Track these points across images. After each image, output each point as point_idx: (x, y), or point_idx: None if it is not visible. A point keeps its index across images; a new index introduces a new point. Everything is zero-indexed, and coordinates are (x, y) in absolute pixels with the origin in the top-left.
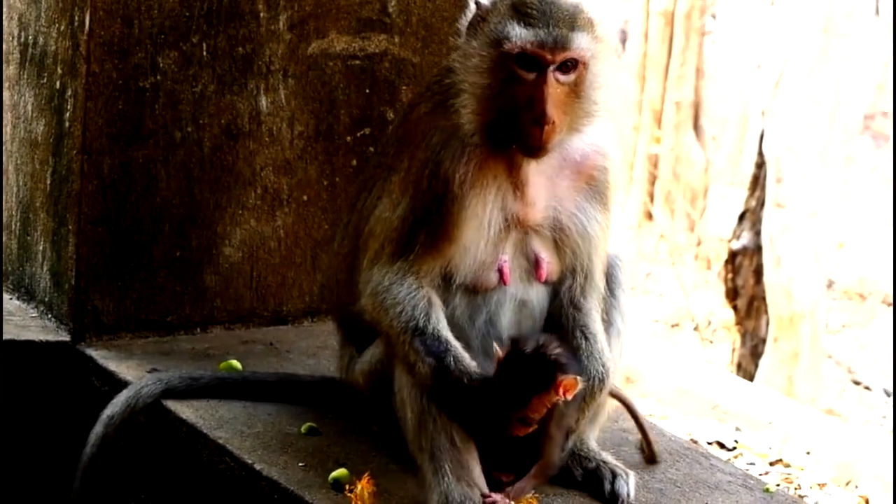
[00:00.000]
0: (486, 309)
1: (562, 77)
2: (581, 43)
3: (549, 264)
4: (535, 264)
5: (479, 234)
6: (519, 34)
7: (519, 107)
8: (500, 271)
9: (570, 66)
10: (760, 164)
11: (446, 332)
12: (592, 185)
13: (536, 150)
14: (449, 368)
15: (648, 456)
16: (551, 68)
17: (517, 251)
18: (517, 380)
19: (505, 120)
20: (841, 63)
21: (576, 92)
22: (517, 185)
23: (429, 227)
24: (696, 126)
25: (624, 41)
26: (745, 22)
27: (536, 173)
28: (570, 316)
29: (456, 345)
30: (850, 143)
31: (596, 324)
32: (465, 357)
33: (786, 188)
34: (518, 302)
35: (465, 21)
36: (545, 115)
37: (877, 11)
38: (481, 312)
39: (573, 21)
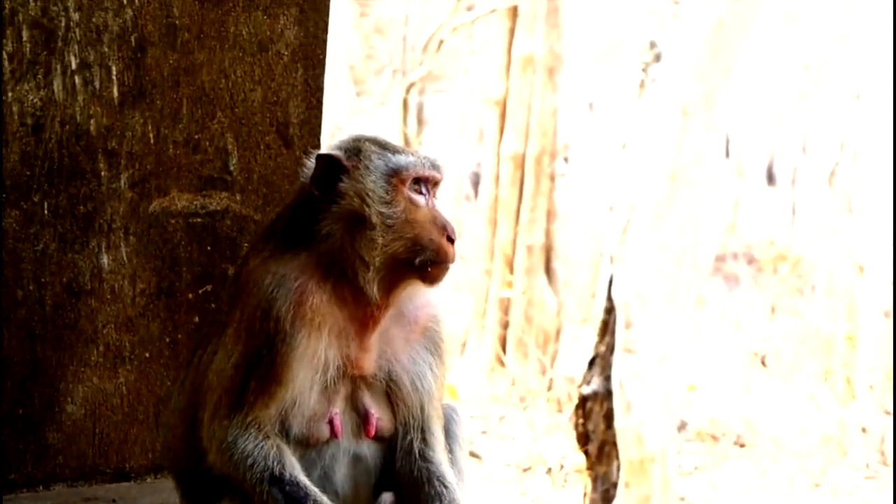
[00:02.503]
0: (320, 463)
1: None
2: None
3: (380, 420)
4: (365, 419)
5: (311, 380)
6: (406, 162)
7: (425, 230)
8: (332, 424)
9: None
10: (609, 310)
11: (304, 478)
12: (427, 336)
13: (448, 268)
14: None
15: None
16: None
17: (348, 405)
18: None
19: (410, 247)
20: (688, 208)
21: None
22: (353, 331)
23: (260, 371)
24: (548, 269)
25: (476, 184)
26: (598, 165)
27: (373, 323)
28: (422, 468)
29: (316, 490)
30: (702, 286)
31: (450, 474)
32: (326, 500)
33: (635, 333)
34: (352, 456)
35: (309, 174)
36: (453, 228)
37: (726, 154)
38: (316, 467)
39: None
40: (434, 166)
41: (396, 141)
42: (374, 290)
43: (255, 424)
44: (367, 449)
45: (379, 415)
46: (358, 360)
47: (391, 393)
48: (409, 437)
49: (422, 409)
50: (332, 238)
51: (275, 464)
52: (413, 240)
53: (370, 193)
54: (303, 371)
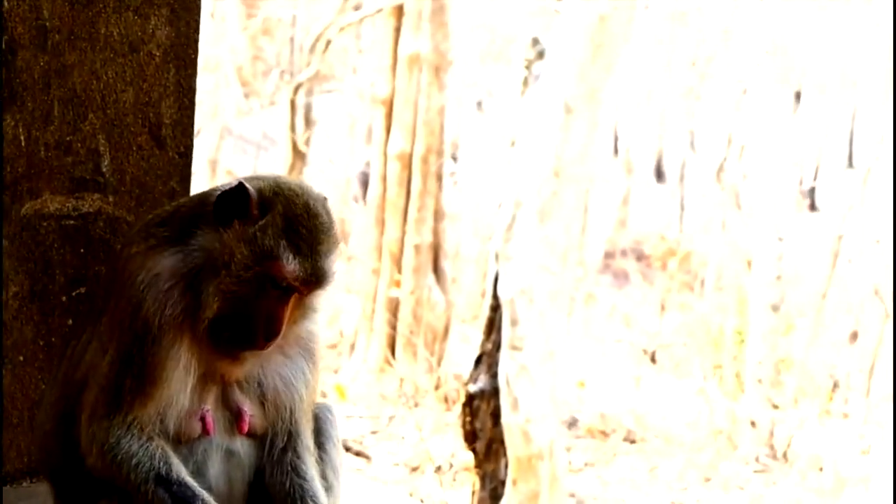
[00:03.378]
0: (192, 459)
1: (302, 297)
2: (332, 271)
3: (253, 417)
4: (237, 416)
5: (183, 381)
6: (290, 265)
7: (256, 314)
8: (203, 420)
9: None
10: (496, 307)
11: (190, 478)
12: (300, 344)
13: (255, 351)
14: None
15: None
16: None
17: (219, 402)
18: None
19: (237, 320)
20: (573, 205)
21: (308, 302)
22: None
23: (135, 370)
24: (437, 269)
25: (365, 184)
26: (485, 163)
27: None
28: (295, 484)
29: (202, 491)
30: (591, 283)
31: (322, 494)
32: (213, 500)
33: (521, 330)
34: (225, 452)
35: (221, 190)
36: (278, 333)
37: (615, 150)
38: (188, 462)
39: (331, 247)
40: (307, 282)
41: (285, 146)
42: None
43: (137, 425)
44: (241, 445)
45: (252, 412)
46: (226, 370)
47: (262, 396)
48: (278, 444)
49: (292, 413)
50: (195, 260)
51: (161, 464)
52: (238, 318)
53: (240, 256)
54: (174, 371)
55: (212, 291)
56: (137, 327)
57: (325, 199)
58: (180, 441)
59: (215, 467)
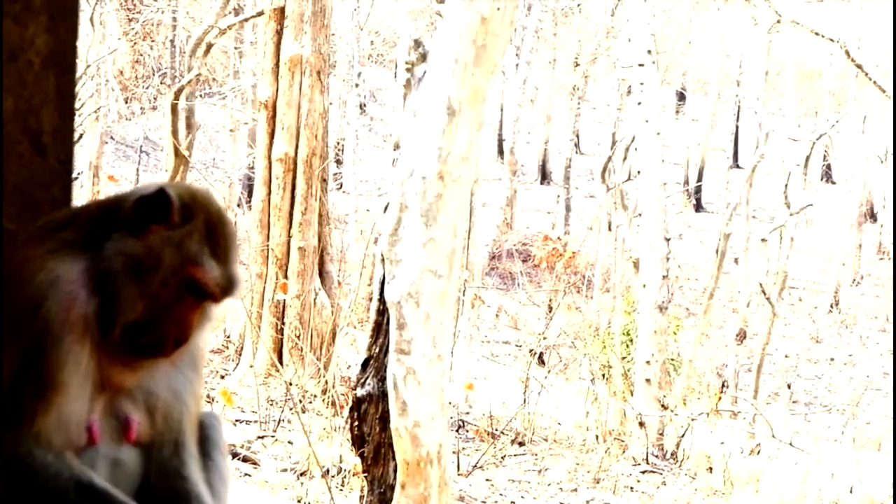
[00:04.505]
0: None
1: (210, 304)
2: (239, 279)
3: (140, 425)
4: (125, 425)
5: (81, 387)
6: (212, 271)
7: (170, 321)
8: (90, 430)
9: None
10: (382, 311)
11: (111, 486)
12: (188, 352)
13: (159, 358)
14: None
15: None
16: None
17: (107, 410)
18: None
19: (151, 326)
20: (458, 207)
21: (210, 312)
22: (113, 348)
23: (36, 377)
24: (322, 272)
25: (249, 188)
26: (370, 166)
27: None
28: (180, 489)
29: (127, 497)
30: (477, 285)
31: (206, 494)
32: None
33: (408, 333)
34: (111, 461)
35: (139, 193)
36: (188, 339)
37: (500, 152)
38: None
39: (237, 257)
40: (225, 290)
41: (167, 151)
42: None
43: (45, 434)
44: (128, 454)
45: (140, 420)
46: (119, 378)
47: (151, 405)
48: (164, 452)
49: (180, 422)
50: (111, 263)
51: (79, 472)
52: (152, 324)
53: (168, 260)
54: (74, 377)
55: (133, 296)
56: (37, 330)
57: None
58: (66, 450)
59: (102, 477)
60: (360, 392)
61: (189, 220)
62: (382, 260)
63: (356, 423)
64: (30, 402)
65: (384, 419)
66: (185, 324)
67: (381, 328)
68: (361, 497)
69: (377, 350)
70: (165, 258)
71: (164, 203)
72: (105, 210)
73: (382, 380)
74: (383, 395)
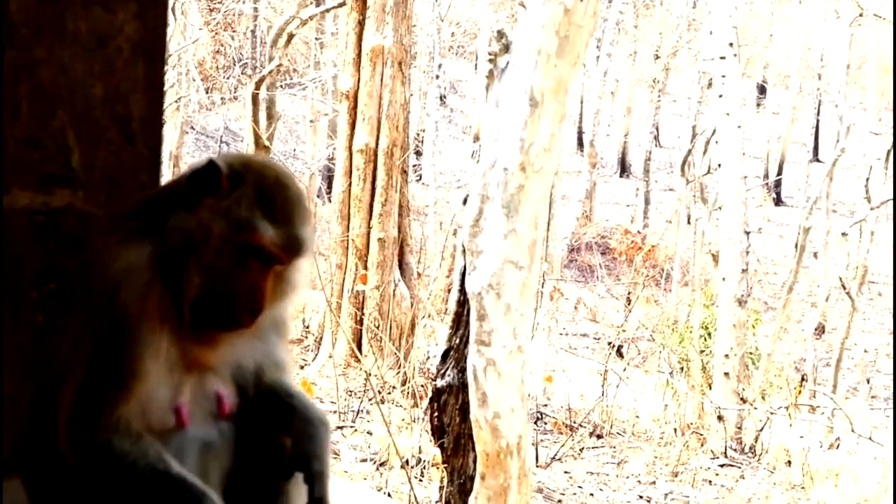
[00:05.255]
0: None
1: (281, 268)
2: (308, 240)
3: (231, 400)
4: (217, 402)
5: (162, 372)
6: (267, 232)
7: (237, 290)
8: (178, 412)
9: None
10: (463, 302)
11: (189, 474)
12: (273, 324)
13: (236, 330)
14: None
15: None
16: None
17: (195, 392)
18: None
19: (217, 298)
20: (539, 199)
21: (287, 276)
22: (191, 328)
23: (115, 366)
24: (402, 263)
25: (329, 179)
26: (451, 157)
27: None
28: (284, 403)
29: (205, 486)
30: (557, 276)
31: (314, 409)
32: (213, 493)
33: (489, 325)
34: (201, 444)
35: (193, 170)
36: (260, 306)
37: (579, 144)
38: None
39: (304, 217)
40: (287, 249)
41: (248, 142)
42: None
43: (124, 422)
44: (219, 434)
45: (230, 395)
46: (200, 354)
47: (237, 377)
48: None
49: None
50: (172, 243)
51: (157, 460)
52: (219, 296)
53: (213, 232)
54: (151, 364)
55: (191, 271)
56: (114, 320)
57: (293, 175)
58: (154, 436)
59: (191, 459)
60: (440, 383)
61: (238, 186)
62: (463, 251)
63: (436, 414)
64: (109, 390)
65: (464, 410)
66: (256, 291)
67: (461, 319)
68: (441, 488)
69: (457, 341)
70: (214, 227)
71: (214, 174)
72: (168, 192)
73: (462, 371)
74: (463, 386)
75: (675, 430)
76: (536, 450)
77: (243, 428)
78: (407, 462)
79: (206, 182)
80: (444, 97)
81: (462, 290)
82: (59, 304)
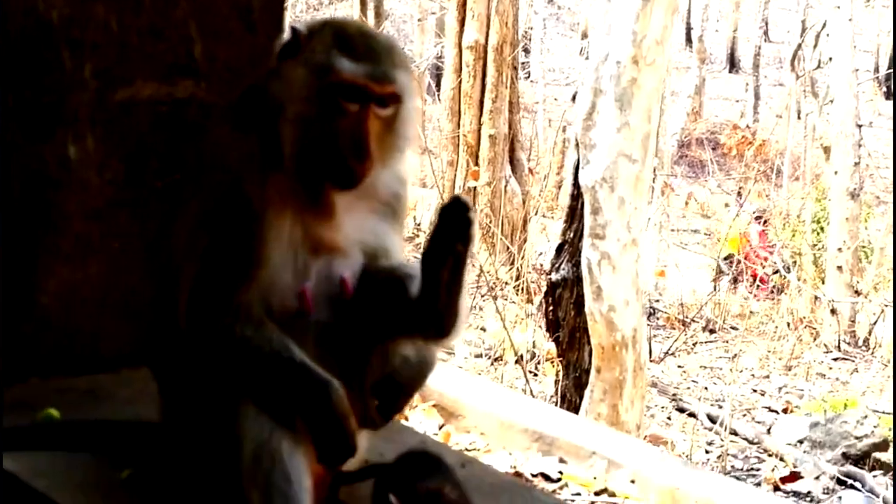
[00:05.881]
0: (290, 336)
1: (381, 111)
2: (401, 79)
3: (354, 280)
4: (341, 285)
5: (283, 258)
6: (346, 66)
7: (339, 140)
8: (302, 296)
9: (389, 100)
10: (576, 196)
11: (312, 362)
12: (389, 207)
13: (351, 184)
14: (332, 399)
15: None
16: (374, 102)
17: (321, 276)
18: None
19: (322, 152)
20: (651, 93)
21: (391, 127)
22: (321, 210)
23: (237, 252)
24: (513, 160)
25: (438, 77)
26: (561, 53)
27: (339, 199)
28: (401, 276)
29: (328, 374)
30: (667, 171)
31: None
32: (339, 387)
33: (602, 219)
34: (324, 328)
35: (279, 45)
36: (367, 150)
37: (688, 39)
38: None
39: (394, 57)
40: (371, 77)
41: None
42: (297, 182)
43: (246, 308)
44: (340, 318)
45: (353, 279)
46: (328, 236)
47: (365, 256)
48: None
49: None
50: (271, 117)
51: (280, 346)
52: (313, 147)
53: (295, 84)
54: (276, 249)
55: (286, 127)
56: (238, 204)
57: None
58: (277, 318)
59: (313, 346)
60: (554, 277)
61: (313, 38)
62: (576, 145)
63: (550, 308)
64: (231, 277)
65: (579, 304)
66: (358, 135)
67: (575, 213)
68: (556, 381)
69: (571, 235)
70: (295, 79)
71: (294, 37)
72: (264, 72)
73: (577, 265)
74: (578, 280)
75: (788, 324)
76: (650, 344)
77: (362, 310)
78: (521, 357)
79: (290, 48)
80: None
81: (575, 184)
82: (182, 194)
